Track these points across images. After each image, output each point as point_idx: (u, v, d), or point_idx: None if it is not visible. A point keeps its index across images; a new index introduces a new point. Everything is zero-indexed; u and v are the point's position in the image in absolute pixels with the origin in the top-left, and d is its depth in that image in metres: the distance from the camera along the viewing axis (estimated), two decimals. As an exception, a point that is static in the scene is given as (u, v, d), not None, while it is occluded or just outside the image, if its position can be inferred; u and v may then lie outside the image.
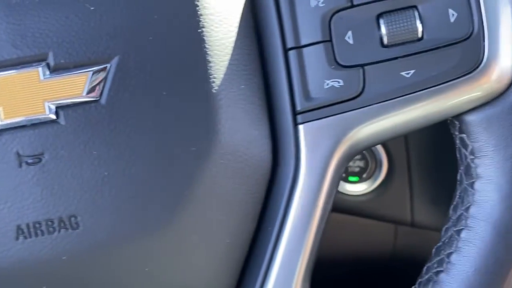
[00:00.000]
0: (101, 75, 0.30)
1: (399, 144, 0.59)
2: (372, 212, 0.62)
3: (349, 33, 0.33)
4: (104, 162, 0.31)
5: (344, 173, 0.61)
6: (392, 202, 0.61)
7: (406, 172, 0.59)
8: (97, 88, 0.30)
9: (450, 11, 0.32)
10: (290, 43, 0.34)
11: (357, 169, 0.61)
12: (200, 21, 0.32)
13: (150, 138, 0.31)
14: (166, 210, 0.31)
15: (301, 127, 0.35)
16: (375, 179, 0.60)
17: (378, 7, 0.33)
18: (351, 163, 0.61)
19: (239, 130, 0.33)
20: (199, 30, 0.32)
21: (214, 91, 0.32)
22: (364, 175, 0.61)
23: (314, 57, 0.34)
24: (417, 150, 0.59)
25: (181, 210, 0.32)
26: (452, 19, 0.32)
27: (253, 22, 0.35)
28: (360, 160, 0.61)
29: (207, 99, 0.32)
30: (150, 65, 0.31)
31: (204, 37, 0.32)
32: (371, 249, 0.68)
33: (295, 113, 0.35)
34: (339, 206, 0.62)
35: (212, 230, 0.34)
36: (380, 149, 0.61)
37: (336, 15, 0.33)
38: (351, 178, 0.61)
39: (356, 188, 0.61)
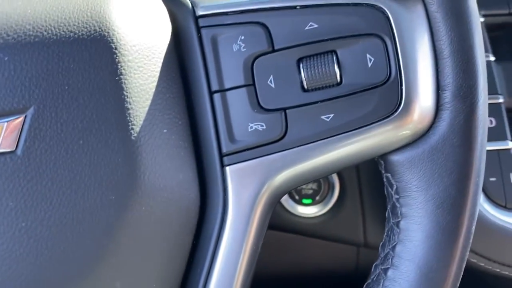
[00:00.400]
0: (17, 126, 0.30)
1: (351, 167, 0.60)
2: (326, 233, 0.62)
3: (271, 77, 0.34)
4: (21, 213, 0.30)
5: (297, 196, 0.62)
6: (345, 224, 0.62)
7: (358, 195, 0.60)
8: (13, 139, 0.30)
9: (368, 56, 0.33)
10: (214, 86, 0.34)
11: (310, 192, 0.61)
12: (117, 68, 0.32)
13: (67, 189, 0.31)
14: (86, 260, 0.31)
15: (227, 169, 0.35)
16: (328, 202, 0.61)
17: (298, 52, 0.33)
18: (304, 186, 0.62)
19: (162, 175, 0.33)
20: (116, 78, 0.32)
21: (133, 138, 0.32)
22: (317, 197, 0.61)
23: (237, 101, 0.34)
24: (367, 173, 0.60)
25: (101, 260, 0.32)
26: (369, 64, 0.33)
27: (177, 65, 0.35)
28: (313, 183, 0.61)
29: (125, 147, 0.32)
30: (66, 115, 0.31)
31: (122, 84, 0.32)
32: (335, 268, 0.68)
33: (221, 155, 0.35)
34: (294, 228, 0.62)
35: (137, 277, 0.34)
36: (332, 171, 0.61)
37: (258, 59, 0.34)
38: (304, 201, 0.62)
39: (309, 211, 0.61)
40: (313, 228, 0.62)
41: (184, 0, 0.36)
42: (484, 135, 0.34)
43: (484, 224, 0.53)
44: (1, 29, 0.30)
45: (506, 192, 0.53)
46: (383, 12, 0.32)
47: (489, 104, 0.58)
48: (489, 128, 0.56)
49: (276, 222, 0.62)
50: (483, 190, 0.53)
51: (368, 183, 0.60)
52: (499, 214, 0.53)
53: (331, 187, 0.61)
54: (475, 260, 0.53)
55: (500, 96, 0.56)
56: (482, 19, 0.59)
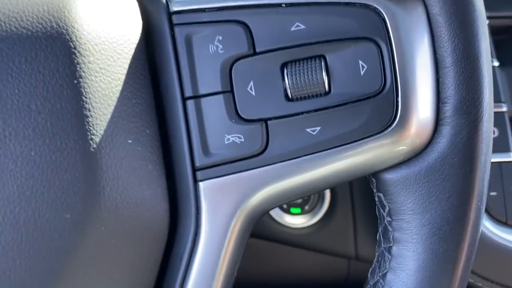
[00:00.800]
0: None
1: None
2: (315, 245, 0.59)
3: (251, 84, 0.30)
4: None
5: (285, 205, 0.58)
6: (335, 236, 0.58)
7: (349, 205, 0.57)
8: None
9: (360, 62, 0.29)
10: (188, 92, 0.31)
11: (299, 201, 0.58)
12: (76, 70, 0.28)
13: (16, 206, 0.27)
14: (41, 283, 0.28)
15: (201, 185, 0.31)
16: (317, 212, 0.57)
17: (282, 56, 0.29)
18: (292, 194, 0.58)
19: (125, 191, 0.29)
20: (75, 81, 0.28)
21: (92, 149, 0.28)
22: (306, 207, 0.58)
23: (213, 109, 0.30)
24: (361, 182, 0.56)
25: (57, 281, 0.28)
26: (362, 72, 0.29)
27: (147, 68, 0.31)
28: (302, 191, 0.58)
29: (83, 159, 0.28)
30: (15, 122, 0.27)
31: (81, 89, 0.28)
32: (325, 280, 0.65)
33: (194, 170, 0.31)
34: (281, 238, 0.59)
35: None
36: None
37: (238, 63, 0.30)
38: (293, 210, 0.58)
39: (297, 221, 0.58)
40: (301, 239, 0.58)
41: None
42: (488, 154, 0.30)
43: (483, 242, 0.49)
44: None
45: (507, 208, 0.50)
46: (379, 14, 0.28)
47: (495, 112, 0.55)
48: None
49: (263, 231, 0.59)
50: (483, 205, 0.50)
51: (362, 193, 0.56)
52: (499, 232, 0.50)
53: (321, 197, 0.57)
54: (472, 280, 0.50)
55: (504, 105, 0.53)
56: (487, 22, 0.56)
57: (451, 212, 0.30)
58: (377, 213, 0.33)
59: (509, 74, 0.55)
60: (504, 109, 0.53)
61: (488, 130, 0.30)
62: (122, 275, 0.31)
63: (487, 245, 0.50)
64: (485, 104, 0.29)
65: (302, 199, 0.58)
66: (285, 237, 0.58)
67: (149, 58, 0.31)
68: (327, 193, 0.57)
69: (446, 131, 0.30)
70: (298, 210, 0.58)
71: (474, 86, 0.29)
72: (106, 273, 0.30)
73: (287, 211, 0.58)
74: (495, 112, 0.54)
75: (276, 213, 0.57)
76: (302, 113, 0.29)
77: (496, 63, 0.54)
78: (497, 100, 0.53)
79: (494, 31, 0.56)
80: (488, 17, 0.56)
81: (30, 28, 0.27)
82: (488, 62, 0.29)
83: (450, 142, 0.29)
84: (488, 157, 0.30)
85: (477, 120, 0.29)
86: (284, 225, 0.58)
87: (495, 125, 0.52)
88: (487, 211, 0.51)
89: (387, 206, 0.31)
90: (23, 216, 0.27)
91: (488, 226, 0.50)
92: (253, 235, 0.62)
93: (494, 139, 0.52)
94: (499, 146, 0.52)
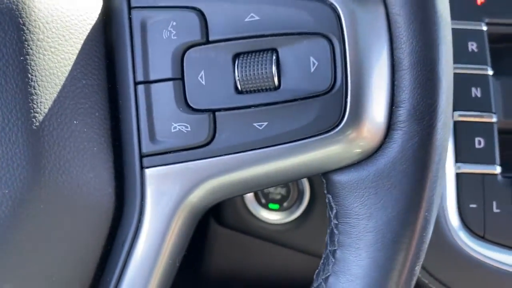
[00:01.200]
0: None
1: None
2: (290, 242, 0.58)
3: (202, 73, 0.29)
4: None
5: (264, 199, 0.58)
6: (312, 235, 0.57)
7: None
8: None
9: (312, 59, 0.28)
10: (139, 76, 0.30)
11: (278, 197, 0.57)
12: (24, 47, 0.28)
13: None
14: None
15: (147, 172, 0.31)
16: (296, 210, 0.57)
17: (235, 47, 0.29)
18: (272, 190, 0.58)
19: (67, 171, 0.29)
20: (21, 58, 0.28)
21: (34, 127, 0.28)
22: (285, 204, 0.57)
23: (162, 95, 0.30)
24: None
25: None
26: (312, 69, 0.28)
27: (102, 49, 0.31)
28: (282, 187, 0.57)
29: (25, 136, 0.28)
30: (-43, 95, 0.27)
31: (28, 66, 0.28)
32: (301, 278, 0.64)
33: (141, 156, 0.31)
34: (256, 233, 0.58)
35: (32, 281, 0.30)
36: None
37: (190, 50, 0.29)
38: (271, 206, 0.57)
39: (274, 216, 0.57)
40: (278, 236, 0.58)
41: None
42: (441, 164, 0.29)
43: (458, 255, 0.48)
44: None
45: (486, 221, 0.48)
46: (335, 10, 0.28)
47: (480, 122, 0.53)
48: (477, 149, 0.50)
49: (240, 225, 0.58)
50: (460, 216, 0.49)
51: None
52: (475, 245, 0.48)
53: (300, 194, 0.56)
54: (444, 293, 0.48)
55: (494, 115, 0.51)
56: (485, 28, 0.54)
57: (396, 220, 0.29)
58: (327, 215, 0.32)
59: (503, 84, 0.53)
60: (494, 119, 0.50)
61: (442, 138, 0.29)
62: (62, 255, 0.31)
63: (462, 259, 0.49)
64: (440, 111, 0.28)
65: (281, 196, 0.57)
66: (262, 232, 0.58)
67: (105, 40, 0.31)
68: (307, 191, 0.57)
69: (398, 136, 0.28)
70: (276, 206, 0.57)
71: (429, 91, 0.28)
72: (45, 251, 0.30)
73: (265, 206, 0.57)
74: (483, 122, 0.52)
75: (253, 208, 0.57)
76: (250, 106, 0.29)
77: (491, 72, 0.52)
78: (487, 110, 0.51)
79: (493, 39, 0.54)
80: (487, 23, 0.54)
81: None
82: (447, 67, 0.28)
83: (401, 148, 0.28)
84: (441, 166, 0.29)
85: (431, 127, 0.28)
86: (261, 220, 0.57)
87: (482, 135, 0.50)
88: (464, 223, 0.49)
89: (335, 208, 0.31)
90: None
91: (464, 239, 0.49)
92: (230, 227, 0.62)
93: (480, 149, 0.50)
94: (484, 157, 0.50)
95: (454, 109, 0.51)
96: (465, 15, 0.54)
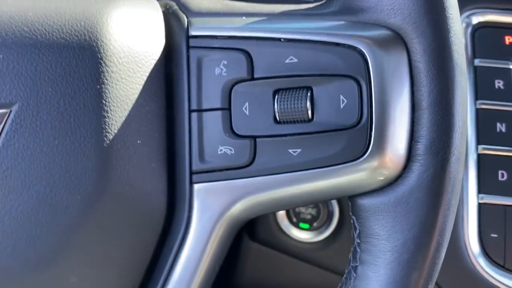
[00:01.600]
0: (1, 119, 0.33)
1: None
2: (319, 261, 0.62)
3: (246, 104, 0.34)
4: None
5: (295, 218, 0.62)
6: (340, 255, 0.61)
7: (355, 227, 0.59)
8: (-5, 130, 0.33)
9: (341, 97, 0.32)
10: (193, 105, 0.35)
11: (308, 217, 0.61)
12: (100, 78, 0.33)
13: (37, 184, 0.33)
14: (44, 253, 0.33)
15: (195, 186, 0.36)
16: (325, 230, 0.60)
17: (275, 83, 0.33)
18: (303, 209, 0.61)
19: (130, 183, 0.34)
20: (98, 86, 0.33)
21: (105, 144, 0.33)
22: (315, 224, 0.61)
23: (212, 122, 0.35)
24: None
25: (59, 255, 0.33)
26: (341, 105, 0.32)
27: (163, 80, 0.36)
28: (313, 208, 0.61)
29: (97, 152, 0.33)
30: (46, 115, 0.33)
31: (103, 93, 0.33)
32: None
33: (191, 173, 0.36)
34: (286, 249, 0.62)
35: (94, 276, 0.35)
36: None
37: (237, 85, 0.34)
38: (302, 225, 0.61)
39: (304, 235, 0.61)
40: (305, 253, 0.61)
41: (182, 17, 0.37)
42: (454, 194, 0.32)
43: (477, 282, 0.50)
44: (1, 29, 0.33)
45: (506, 251, 0.50)
46: (363, 55, 0.32)
47: (504, 156, 0.55)
48: (499, 182, 0.53)
49: (270, 240, 0.62)
50: (481, 244, 0.51)
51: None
52: (495, 274, 0.50)
53: (329, 216, 0.60)
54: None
55: (519, 149, 0.53)
56: (512, 67, 0.56)
57: (412, 242, 0.32)
58: (352, 234, 0.36)
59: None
60: (519, 153, 0.53)
61: (455, 171, 0.32)
62: (119, 255, 0.36)
63: (481, 285, 0.51)
64: (454, 147, 0.32)
65: (312, 216, 0.61)
66: (291, 249, 0.61)
67: (166, 72, 0.37)
68: (336, 214, 0.60)
69: (416, 167, 0.32)
70: (306, 225, 0.61)
71: (445, 129, 0.31)
72: (106, 251, 0.35)
73: (296, 225, 0.61)
74: (507, 156, 0.55)
75: (285, 226, 0.61)
76: (286, 135, 0.33)
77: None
78: (510, 143, 0.54)
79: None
80: None
81: (68, 39, 0.33)
82: (461, 108, 0.32)
83: (418, 178, 0.32)
84: (454, 196, 0.32)
85: (445, 161, 0.32)
86: (291, 238, 0.61)
87: (505, 169, 0.53)
88: (485, 251, 0.51)
89: (358, 229, 0.34)
90: (42, 193, 0.33)
91: (484, 267, 0.51)
92: (262, 243, 0.66)
93: (503, 182, 0.53)
94: (507, 190, 0.52)
95: (479, 143, 0.54)
96: (493, 54, 0.57)
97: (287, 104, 0.33)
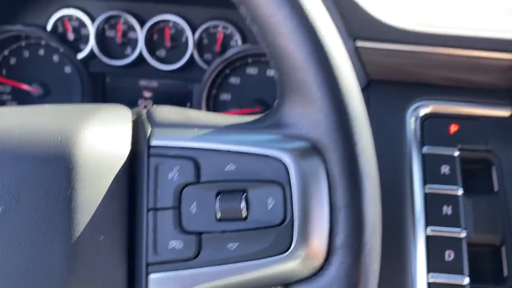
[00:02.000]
0: None
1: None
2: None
3: (194, 204, 0.40)
4: None
5: None
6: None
7: None
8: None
9: (269, 199, 0.38)
10: (150, 204, 0.41)
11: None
12: (70, 184, 0.40)
13: (16, 277, 0.38)
14: None
15: (151, 276, 0.41)
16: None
17: (217, 187, 0.40)
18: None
19: (94, 274, 0.40)
20: (68, 192, 0.40)
21: (72, 242, 0.39)
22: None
23: (165, 219, 0.41)
24: None
25: None
26: (269, 207, 0.38)
27: (126, 184, 0.42)
28: None
29: (65, 249, 0.39)
30: (22, 215, 0.39)
31: (72, 197, 0.39)
32: None
33: (147, 264, 0.41)
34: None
35: None
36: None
37: (187, 187, 0.40)
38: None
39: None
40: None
41: (146, 128, 0.44)
42: (371, 282, 0.37)
43: None
44: None
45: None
46: (286, 165, 0.38)
47: (450, 237, 0.60)
48: (446, 262, 0.57)
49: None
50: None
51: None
52: None
53: None
54: None
55: (463, 231, 0.58)
56: (457, 153, 0.62)
57: None
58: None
59: (475, 202, 0.60)
60: (462, 235, 0.58)
61: (370, 262, 0.37)
62: None
63: None
64: (365, 241, 0.37)
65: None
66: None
67: (129, 176, 0.43)
68: None
69: (335, 259, 0.38)
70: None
71: (357, 226, 0.37)
72: None
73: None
74: (451, 237, 0.59)
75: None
76: (226, 231, 0.39)
77: (460, 192, 0.60)
78: (456, 225, 0.58)
79: (465, 161, 0.62)
80: (460, 149, 0.63)
81: (46, 152, 0.40)
82: (372, 209, 0.37)
83: (338, 269, 0.37)
84: (370, 285, 0.37)
85: (359, 253, 0.37)
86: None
87: (452, 248, 0.57)
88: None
89: (292, 313, 0.39)
90: (18, 285, 0.38)
91: None
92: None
93: (449, 262, 0.57)
94: (453, 269, 0.56)
95: (427, 225, 0.59)
96: (440, 142, 0.63)
97: (226, 205, 0.39)
